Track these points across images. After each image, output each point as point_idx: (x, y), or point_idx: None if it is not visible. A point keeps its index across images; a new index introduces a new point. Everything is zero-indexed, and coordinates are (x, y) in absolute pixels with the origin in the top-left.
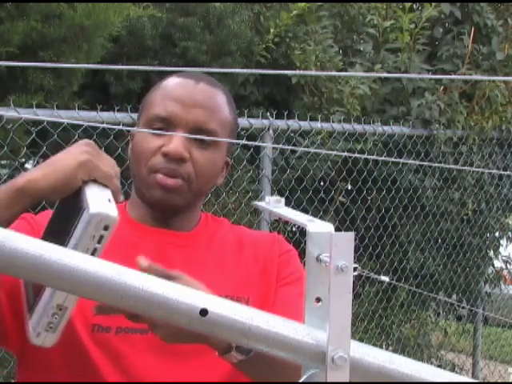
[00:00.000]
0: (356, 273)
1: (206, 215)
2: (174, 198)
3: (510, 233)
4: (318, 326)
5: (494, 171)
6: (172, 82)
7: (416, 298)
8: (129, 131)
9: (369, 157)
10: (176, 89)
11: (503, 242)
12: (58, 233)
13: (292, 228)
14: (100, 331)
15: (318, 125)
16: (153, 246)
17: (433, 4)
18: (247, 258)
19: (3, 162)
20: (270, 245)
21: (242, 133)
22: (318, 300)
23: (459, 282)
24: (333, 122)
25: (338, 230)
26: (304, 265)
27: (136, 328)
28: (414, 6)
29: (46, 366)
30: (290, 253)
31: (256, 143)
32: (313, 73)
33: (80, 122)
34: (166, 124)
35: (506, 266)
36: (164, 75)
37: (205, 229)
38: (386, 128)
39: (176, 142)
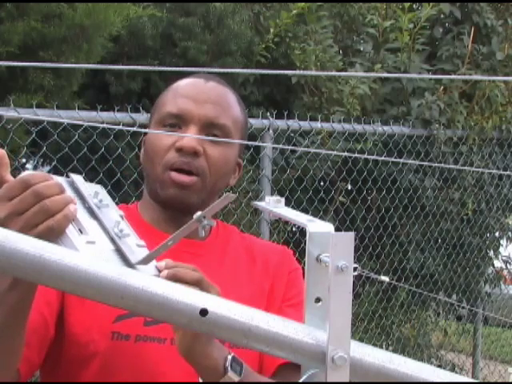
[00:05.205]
0: (356, 273)
1: (216, 222)
2: (189, 195)
3: (510, 233)
4: (318, 326)
5: (494, 171)
6: (182, 82)
7: (416, 298)
8: (129, 131)
9: (369, 157)
10: (187, 87)
11: (503, 242)
12: None
13: (292, 228)
14: (119, 339)
15: (318, 125)
16: (169, 252)
17: (430, 3)
18: (260, 275)
19: None
20: (281, 260)
21: None
22: (318, 300)
23: (459, 282)
24: (333, 121)
25: (338, 230)
26: (304, 265)
27: (154, 337)
28: (414, 5)
29: (66, 373)
30: (298, 272)
31: (256, 143)
32: (313, 73)
33: (80, 122)
34: (179, 121)
35: (506, 265)
36: (164, 75)
37: (217, 238)
38: (386, 128)
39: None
